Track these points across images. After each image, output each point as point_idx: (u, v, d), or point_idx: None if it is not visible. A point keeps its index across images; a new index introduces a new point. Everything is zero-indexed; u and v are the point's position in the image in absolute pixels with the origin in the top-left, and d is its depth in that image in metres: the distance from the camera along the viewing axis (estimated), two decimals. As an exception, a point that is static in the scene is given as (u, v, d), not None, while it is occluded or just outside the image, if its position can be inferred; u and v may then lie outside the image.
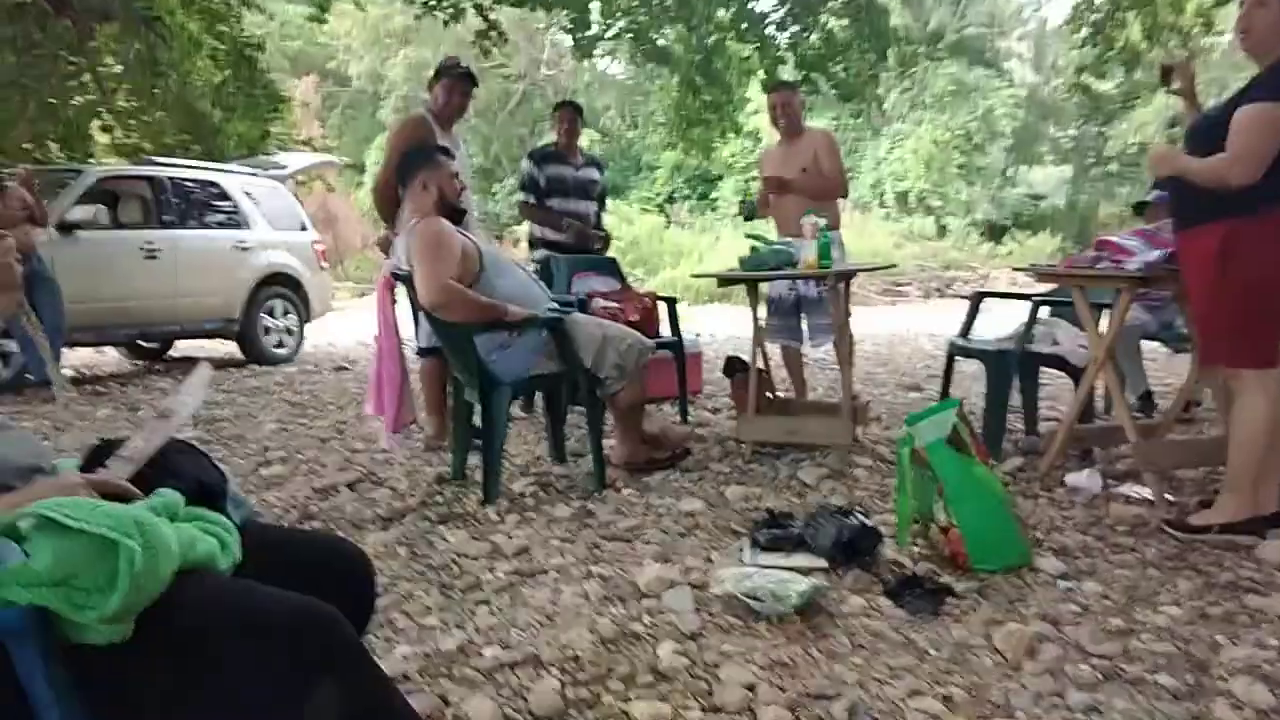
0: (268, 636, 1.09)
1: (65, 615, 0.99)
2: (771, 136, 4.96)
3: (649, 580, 2.45)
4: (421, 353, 4.27)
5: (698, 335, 7.45)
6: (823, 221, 3.77)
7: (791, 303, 4.53)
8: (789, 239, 4.18)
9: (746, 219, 4.83)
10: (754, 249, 3.97)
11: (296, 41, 25.72)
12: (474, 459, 3.56)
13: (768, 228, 4.74)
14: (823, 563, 2.53)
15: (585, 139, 5.36)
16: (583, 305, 4.38)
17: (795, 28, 10.16)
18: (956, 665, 2.00)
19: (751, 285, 4.02)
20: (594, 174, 5.22)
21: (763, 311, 4.05)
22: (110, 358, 8.80)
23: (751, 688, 1.90)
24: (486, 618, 2.30)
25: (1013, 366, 3.88)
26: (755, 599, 2.23)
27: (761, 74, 10.72)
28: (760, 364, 4.05)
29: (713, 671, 1.98)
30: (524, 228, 5.34)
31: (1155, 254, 3.05)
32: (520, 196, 5.26)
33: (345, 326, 10.64)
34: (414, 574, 2.64)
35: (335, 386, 6.61)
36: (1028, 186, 25.39)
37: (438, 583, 2.57)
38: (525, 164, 5.20)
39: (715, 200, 22.84)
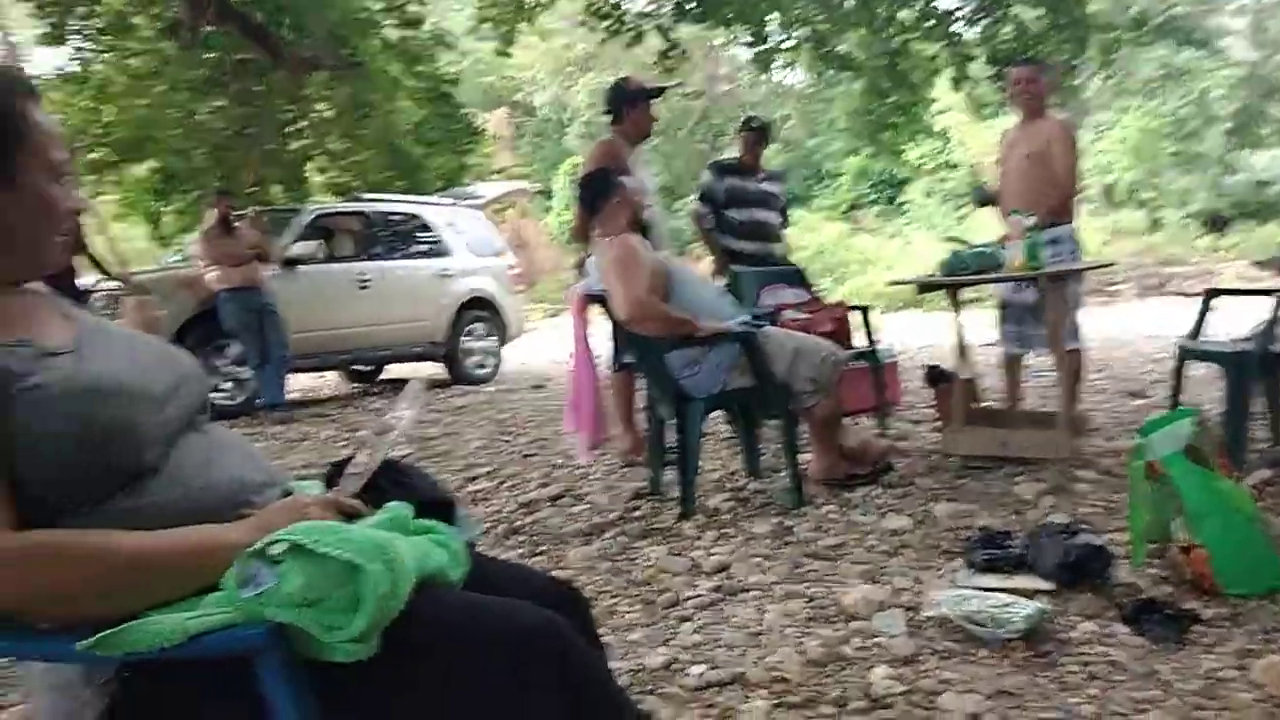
0: (498, 648, 1.11)
1: (315, 636, 1.04)
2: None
3: (856, 601, 2.35)
4: (615, 369, 4.34)
5: (892, 344, 7.20)
6: (1030, 220, 3.54)
7: (1019, 307, 4.27)
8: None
9: (979, 205, 4.72)
10: (955, 252, 3.79)
11: (489, 77, 27.04)
12: (670, 474, 3.57)
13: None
14: (1048, 585, 2.36)
15: (768, 152, 5.32)
16: (772, 318, 4.31)
17: (985, 21, 9.71)
18: (1210, 700, 1.81)
19: (952, 290, 3.83)
20: (775, 187, 5.18)
21: (966, 316, 3.84)
22: (330, 381, 9.48)
23: (976, 718, 1.78)
24: (691, 635, 2.28)
25: (1254, 369, 3.50)
26: (975, 623, 2.10)
27: (950, 72, 10.32)
28: (965, 372, 3.85)
29: (932, 699, 1.87)
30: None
31: None
32: (695, 206, 5.24)
33: (539, 346, 11.00)
34: (617, 589, 2.66)
35: (533, 404, 6.82)
36: (1252, 172, 23.12)
37: (640, 598, 2.57)
38: (705, 175, 5.22)
39: (904, 205, 22.11)
